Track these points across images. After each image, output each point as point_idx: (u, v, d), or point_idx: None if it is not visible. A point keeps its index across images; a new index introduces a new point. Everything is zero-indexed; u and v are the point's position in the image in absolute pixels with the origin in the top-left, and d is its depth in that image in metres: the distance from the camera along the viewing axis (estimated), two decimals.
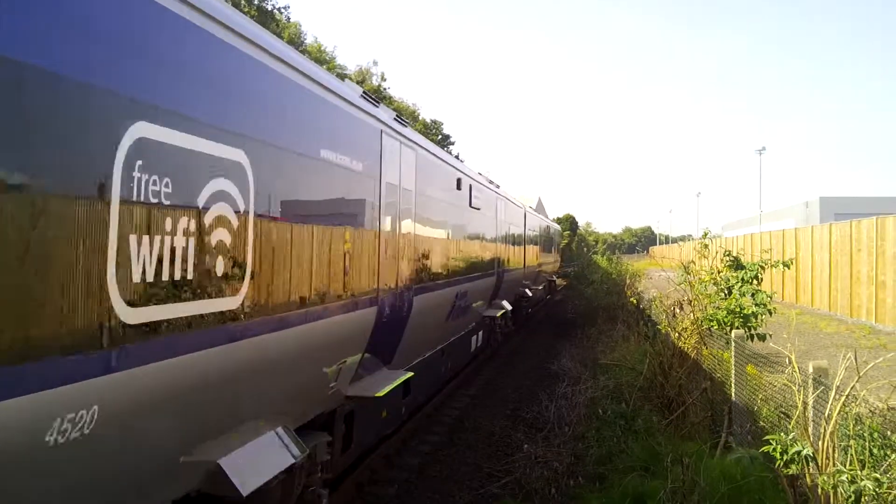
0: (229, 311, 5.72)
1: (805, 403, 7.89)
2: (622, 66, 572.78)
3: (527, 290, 30.08)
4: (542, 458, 12.20)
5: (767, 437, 7.65)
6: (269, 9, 57.53)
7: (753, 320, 13.03)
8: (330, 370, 8.41)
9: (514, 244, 26.04)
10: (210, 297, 5.44)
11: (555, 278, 48.62)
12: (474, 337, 19.66)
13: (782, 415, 8.87)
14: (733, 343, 11.56)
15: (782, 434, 7.61)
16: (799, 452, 7.21)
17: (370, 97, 10.27)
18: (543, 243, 39.11)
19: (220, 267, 5.57)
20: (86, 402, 4.18)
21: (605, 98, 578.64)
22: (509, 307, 23.32)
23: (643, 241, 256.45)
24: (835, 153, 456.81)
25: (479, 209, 18.28)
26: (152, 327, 4.76)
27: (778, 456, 7.37)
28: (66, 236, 4.05)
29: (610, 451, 11.89)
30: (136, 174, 4.57)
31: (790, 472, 7.45)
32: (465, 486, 11.97)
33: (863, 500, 6.52)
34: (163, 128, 4.84)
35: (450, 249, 14.81)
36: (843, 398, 7.27)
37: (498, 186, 24.37)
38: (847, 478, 6.68)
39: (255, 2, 55.98)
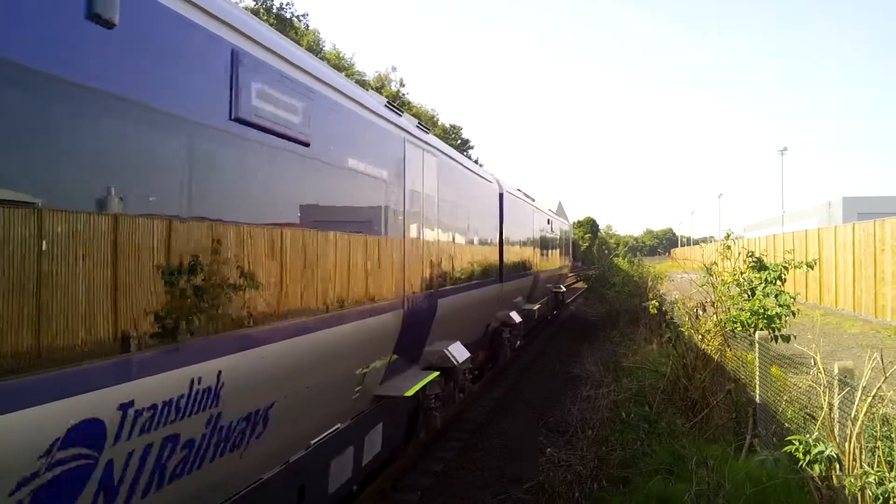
0: None
1: (830, 404, 7.82)
2: (642, 69, 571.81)
3: (512, 316, 21.43)
4: (566, 461, 12.17)
5: (790, 438, 7.59)
6: (288, 17, 57.89)
7: (777, 321, 12.95)
8: None
9: (471, 242, 15.63)
10: None
11: (563, 288, 39.92)
12: (346, 453, 9.29)
13: (808, 416, 8.80)
14: (757, 344, 11.48)
15: (805, 434, 7.56)
16: (822, 452, 7.16)
17: None
18: (544, 244, 29.66)
19: None
20: None
21: (626, 101, 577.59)
22: (464, 356, 13.60)
23: (664, 243, 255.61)
24: (858, 153, 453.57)
25: (343, 161, 8.39)
26: None
27: (801, 456, 7.32)
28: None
29: (633, 454, 11.82)
30: None
31: (814, 473, 7.39)
32: (488, 490, 11.96)
33: (891, 501, 6.46)
34: None
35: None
36: (869, 399, 7.20)
37: (427, 131, 12.80)
38: (874, 479, 6.63)
39: (275, 10, 56.34)
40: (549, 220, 32.29)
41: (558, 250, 36.56)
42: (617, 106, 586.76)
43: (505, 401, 19.02)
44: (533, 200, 28.81)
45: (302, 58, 7.59)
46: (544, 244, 29.78)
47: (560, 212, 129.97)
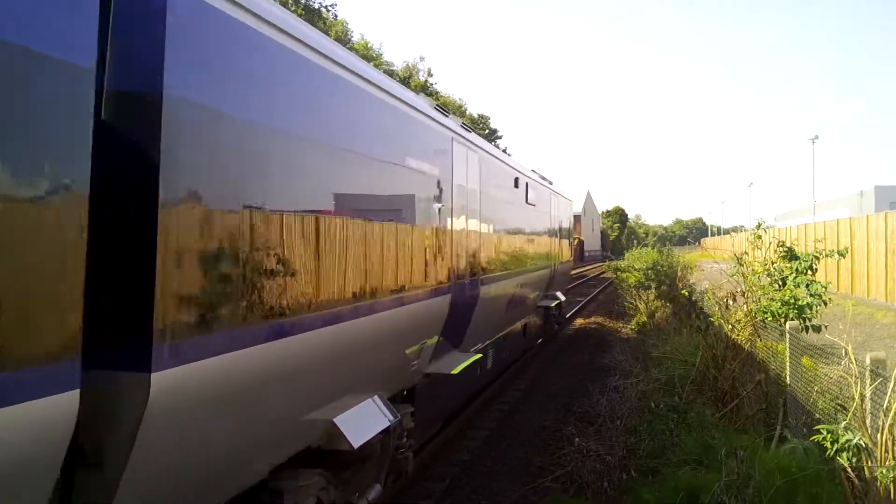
0: None
1: (862, 395, 7.77)
2: (672, 57, 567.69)
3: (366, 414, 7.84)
4: (594, 451, 12.18)
5: (818, 427, 7.56)
6: (316, 7, 58.04)
7: (808, 311, 12.85)
8: None
9: None
10: None
11: (560, 297, 25.29)
12: None
13: (839, 407, 8.74)
14: (788, 334, 11.41)
15: (834, 423, 7.53)
16: (850, 441, 7.13)
17: None
18: (509, 225, 16.45)
19: None
20: None
21: (655, 89, 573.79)
22: None
23: (694, 232, 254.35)
24: (890, 141, 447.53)
25: None
26: None
27: (829, 445, 7.29)
28: None
29: (663, 444, 11.81)
30: None
31: (844, 463, 7.35)
32: (516, 479, 11.98)
33: None
34: None
35: None
36: None
37: None
38: None
39: (303, 1, 56.48)
40: (517, 181, 17.38)
41: (549, 237, 22.37)
42: (646, 94, 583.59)
43: None
44: (473, 140, 13.33)
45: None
46: (509, 225, 16.44)
47: (589, 201, 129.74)
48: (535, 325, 22.12)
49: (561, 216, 25.26)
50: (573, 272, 64.01)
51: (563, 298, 26.27)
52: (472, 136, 13.40)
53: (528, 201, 18.71)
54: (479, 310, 12.88)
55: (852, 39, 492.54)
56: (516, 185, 17.23)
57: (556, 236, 23.97)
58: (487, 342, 14.77)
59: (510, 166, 17.21)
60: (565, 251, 26.48)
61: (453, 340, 12.03)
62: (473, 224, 12.53)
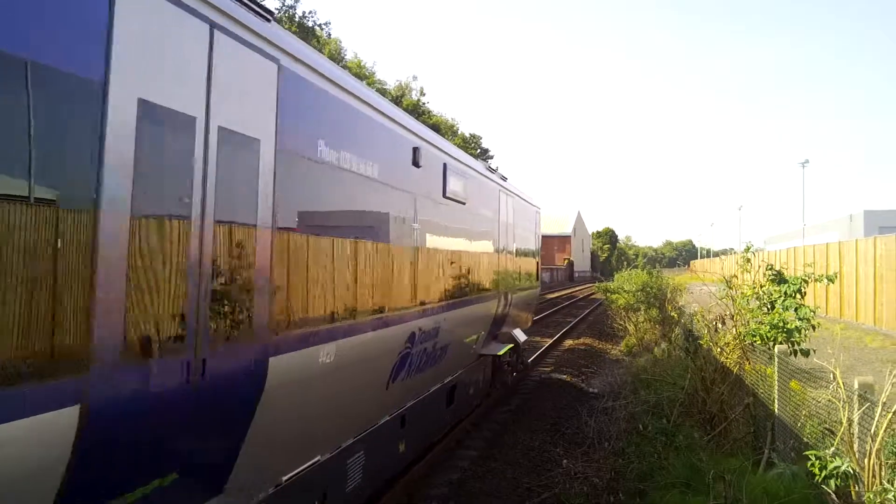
0: None
1: (850, 420, 7.77)
2: (664, 80, 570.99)
3: None
4: (582, 473, 12.14)
5: (807, 453, 7.56)
6: (311, 25, 58.21)
7: (797, 335, 12.86)
8: None
9: None
10: None
11: (521, 337, 19.20)
12: None
13: (827, 431, 8.74)
14: (776, 358, 11.41)
15: (824, 449, 7.53)
16: (838, 468, 7.13)
17: None
18: (394, 228, 9.13)
19: None
20: None
21: (646, 111, 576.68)
22: None
23: (684, 254, 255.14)
24: (880, 166, 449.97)
25: None
26: None
27: (817, 471, 7.28)
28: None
29: (650, 467, 11.78)
30: None
31: (830, 489, 7.35)
32: (504, 501, 11.92)
33: None
34: None
35: None
36: (889, 414, 7.16)
37: None
38: (893, 496, 6.57)
39: (297, 19, 56.65)
40: (418, 154, 10.15)
41: (496, 254, 15.72)
42: (637, 117, 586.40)
43: None
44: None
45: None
46: (391, 229, 9.09)
47: (579, 222, 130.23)
48: (473, 384, 15.56)
49: (519, 225, 18.49)
50: (562, 293, 63.49)
51: (522, 339, 19.38)
52: (273, 31, 6.31)
53: (449, 194, 11.88)
54: (270, 411, 6.18)
55: (844, 61, 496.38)
56: (417, 163, 10.24)
57: (510, 253, 17.28)
58: (343, 446, 8.39)
59: (402, 125, 9.85)
60: (528, 273, 19.93)
61: (177, 488, 5.24)
62: (245, 217, 5.76)
